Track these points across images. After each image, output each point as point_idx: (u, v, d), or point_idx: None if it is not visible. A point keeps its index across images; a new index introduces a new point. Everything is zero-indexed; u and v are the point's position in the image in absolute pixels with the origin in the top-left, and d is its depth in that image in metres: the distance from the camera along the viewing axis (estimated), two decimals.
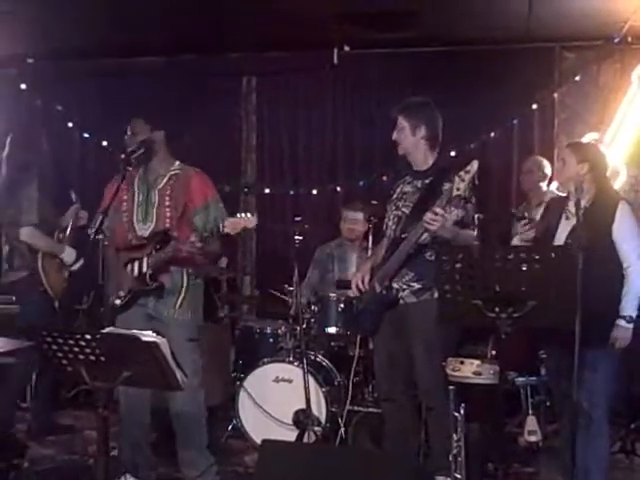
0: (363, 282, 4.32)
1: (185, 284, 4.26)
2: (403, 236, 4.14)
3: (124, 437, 4.31)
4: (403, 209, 4.28)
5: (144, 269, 4.16)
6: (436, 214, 3.87)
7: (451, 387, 3.78)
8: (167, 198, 4.25)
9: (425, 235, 4.02)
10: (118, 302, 4.22)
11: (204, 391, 4.32)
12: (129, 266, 4.23)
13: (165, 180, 4.31)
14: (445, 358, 4.28)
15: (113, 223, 4.32)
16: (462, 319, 3.55)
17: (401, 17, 5.93)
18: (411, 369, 4.24)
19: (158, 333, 4.06)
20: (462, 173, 3.84)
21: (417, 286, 4.17)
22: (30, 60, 7.11)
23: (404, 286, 4.20)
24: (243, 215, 4.02)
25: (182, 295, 4.25)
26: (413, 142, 4.28)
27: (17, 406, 5.40)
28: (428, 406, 4.19)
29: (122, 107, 7.00)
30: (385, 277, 4.21)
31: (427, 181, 4.25)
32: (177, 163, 4.38)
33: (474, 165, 3.85)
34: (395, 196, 4.38)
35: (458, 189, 3.83)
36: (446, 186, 4.01)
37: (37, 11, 5.82)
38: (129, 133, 4.30)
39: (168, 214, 4.24)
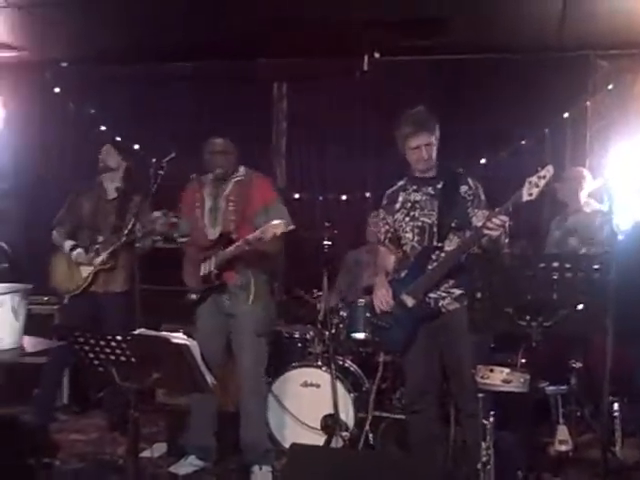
0: (386, 301, 4.15)
1: (253, 281, 4.60)
2: (439, 245, 4.02)
3: (194, 422, 4.69)
4: (423, 218, 4.13)
5: (211, 268, 4.52)
6: (501, 220, 3.70)
7: (480, 395, 3.75)
8: (231, 204, 4.62)
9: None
10: (194, 297, 4.63)
11: (266, 380, 4.83)
12: (202, 265, 4.58)
13: (230, 187, 4.66)
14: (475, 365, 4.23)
15: (189, 227, 4.74)
16: (493, 327, 3.53)
17: (432, 24, 5.93)
18: (444, 380, 4.17)
19: (231, 328, 4.60)
20: (535, 178, 3.65)
21: (458, 292, 4.02)
22: (64, 64, 7.21)
23: (443, 294, 4.06)
24: (274, 222, 4.22)
25: (252, 292, 4.60)
26: (435, 154, 4.17)
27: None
28: (469, 413, 4.01)
29: (153, 111, 7.11)
30: (421, 290, 4.04)
31: (439, 186, 4.13)
32: (242, 169, 4.71)
33: (550, 170, 3.65)
34: (400, 206, 4.24)
35: (530, 194, 3.65)
36: (463, 189, 4.03)
37: (71, 16, 5.90)
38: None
39: (232, 218, 4.60)
